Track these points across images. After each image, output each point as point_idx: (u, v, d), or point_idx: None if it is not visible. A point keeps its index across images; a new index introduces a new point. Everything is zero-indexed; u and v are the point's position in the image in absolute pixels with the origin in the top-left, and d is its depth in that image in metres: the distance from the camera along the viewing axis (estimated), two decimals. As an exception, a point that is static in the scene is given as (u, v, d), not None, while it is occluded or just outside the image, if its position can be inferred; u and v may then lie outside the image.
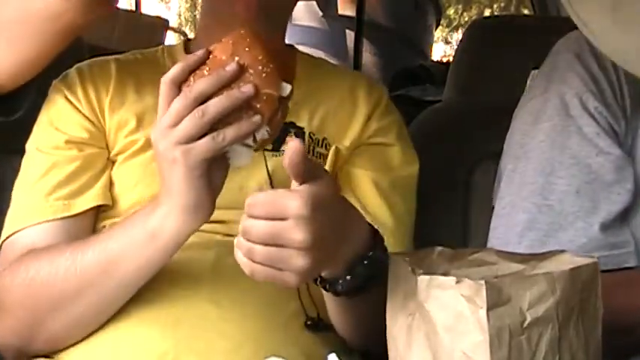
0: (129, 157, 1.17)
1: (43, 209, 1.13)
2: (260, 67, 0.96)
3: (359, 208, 1.10)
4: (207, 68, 0.97)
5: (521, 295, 0.85)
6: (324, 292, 1.01)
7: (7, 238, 1.14)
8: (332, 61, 1.88)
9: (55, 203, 1.13)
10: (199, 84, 0.95)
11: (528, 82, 1.29)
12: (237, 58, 0.97)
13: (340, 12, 3.02)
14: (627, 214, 1.15)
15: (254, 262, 0.88)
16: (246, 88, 0.95)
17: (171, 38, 3.71)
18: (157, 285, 1.08)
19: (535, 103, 1.21)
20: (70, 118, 1.18)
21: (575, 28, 1.24)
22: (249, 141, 0.98)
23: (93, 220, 1.16)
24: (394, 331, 0.94)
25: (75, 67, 1.24)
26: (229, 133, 0.95)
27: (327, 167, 1.18)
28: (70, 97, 1.19)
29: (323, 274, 0.97)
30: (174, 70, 0.97)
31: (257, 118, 0.95)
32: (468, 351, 0.85)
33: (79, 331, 1.08)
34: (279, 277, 0.88)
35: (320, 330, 1.12)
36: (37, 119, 1.21)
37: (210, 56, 0.98)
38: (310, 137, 1.21)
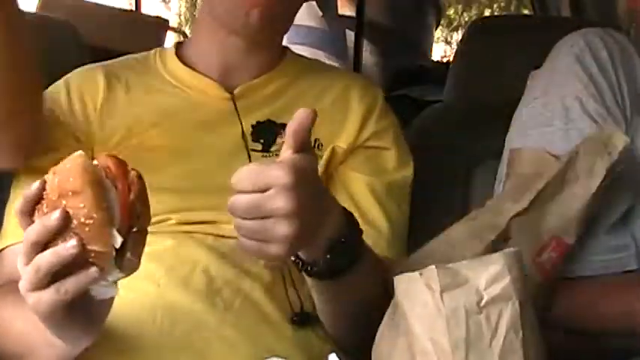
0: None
1: None
2: (82, 219, 0.85)
3: (355, 211, 1.09)
4: (45, 205, 0.87)
5: (477, 276, 0.88)
6: (307, 279, 1.02)
7: None
8: (332, 61, 1.88)
9: None
10: (30, 233, 0.87)
11: (528, 82, 1.28)
12: (64, 203, 0.85)
13: (340, 12, 3.01)
14: (628, 216, 1.15)
15: (242, 236, 0.91)
16: (71, 245, 0.85)
17: (171, 38, 3.71)
18: (150, 287, 1.09)
19: (535, 106, 1.21)
20: (54, 134, 1.18)
21: (575, 28, 1.24)
22: (104, 282, 0.89)
23: None
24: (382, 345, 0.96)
25: (63, 79, 1.24)
26: (71, 285, 0.87)
27: (320, 167, 1.18)
28: (56, 112, 1.19)
29: (304, 257, 0.99)
30: (20, 202, 0.90)
31: (93, 270, 0.86)
32: (433, 335, 0.88)
33: None
34: (265, 249, 0.91)
35: (307, 323, 1.12)
36: None
37: (44, 193, 0.87)
38: None
